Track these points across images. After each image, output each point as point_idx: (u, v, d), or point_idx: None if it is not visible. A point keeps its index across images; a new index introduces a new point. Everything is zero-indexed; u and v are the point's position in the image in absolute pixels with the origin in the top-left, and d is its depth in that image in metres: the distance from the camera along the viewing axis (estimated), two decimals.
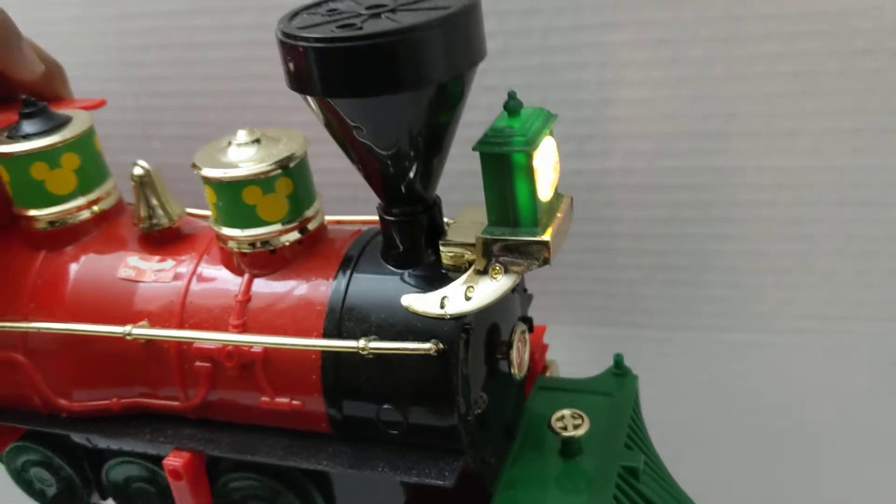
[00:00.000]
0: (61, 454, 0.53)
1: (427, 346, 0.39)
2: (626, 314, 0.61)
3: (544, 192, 0.39)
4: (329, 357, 0.42)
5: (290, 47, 0.36)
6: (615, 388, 0.51)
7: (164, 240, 0.47)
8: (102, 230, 0.48)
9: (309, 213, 0.44)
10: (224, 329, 0.43)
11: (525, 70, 0.55)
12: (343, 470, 0.42)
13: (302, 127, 0.58)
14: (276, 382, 0.43)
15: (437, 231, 0.42)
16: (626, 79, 0.53)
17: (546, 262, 0.39)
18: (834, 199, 0.54)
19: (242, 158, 0.43)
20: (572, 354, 0.59)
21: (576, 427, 0.46)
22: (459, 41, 0.36)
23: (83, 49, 0.64)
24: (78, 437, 0.49)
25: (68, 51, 0.63)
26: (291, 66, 0.37)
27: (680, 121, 0.54)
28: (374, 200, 0.42)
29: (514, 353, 0.44)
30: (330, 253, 0.44)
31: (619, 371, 0.52)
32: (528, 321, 0.50)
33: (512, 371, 0.44)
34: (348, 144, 0.40)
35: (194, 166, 0.43)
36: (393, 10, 0.37)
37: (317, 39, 0.35)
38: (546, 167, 0.38)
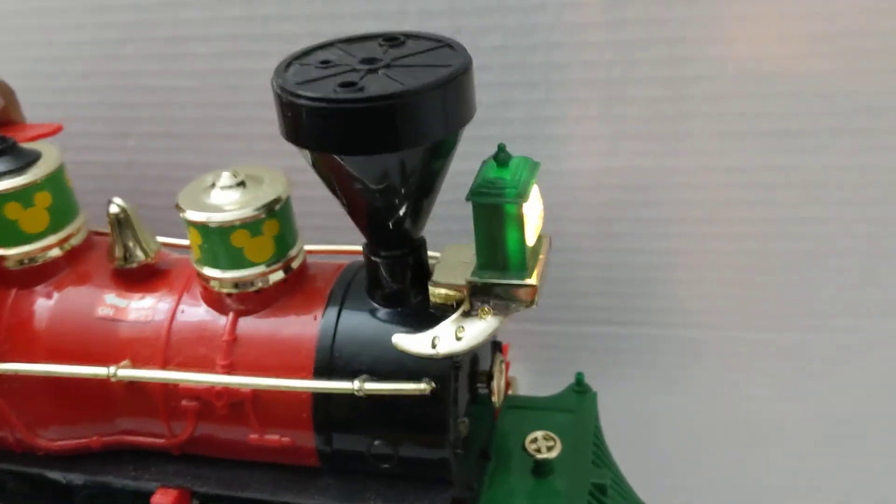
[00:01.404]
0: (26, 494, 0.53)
1: (422, 386, 0.41)
2: (627, 313, 0.63)
3: (531, 238, 0.41)
4: (320, 395, 0.43)
5: (289, 104, 0.37)
6: (576, 405, 0.54)
7: (141, 276, 0.47)
8: (74, 267, 0.48)
9: (293, 252, 0.45)
10: (211, 368, 0.44)
11: (526, 67, 0.56)
12: (337, 502, 0.43)
13: None
14: (266, 420, 0.44)
15: (422, 270, 0.44)
16: (633, 77, 0.55)
17: (532, 303, 0.41)
18: (841, 199, 0.56)
19: (228, 201, 0.43)
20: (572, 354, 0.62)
21: (549, 449, 0.49)
22: (456, 101, 0.38)
23: (55, 43, 0.62)
24: (54, 475, 0.49)
25: (39, 44, 0.62)
26: (289, 119, 0.38)
27: (688, 120, 0.56)
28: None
29: (494, 384, 0.46)
30: (314, 291, 0.45)
31: (580, 388, 0.55)
32: (497, 344, 0.52)
33: (493, 399, 0.46)
34: (339, 189, 0.41)
35: (178, 208, 0.43)
36: (388, 66, 0.38)
37: (317, 99, 0.36)
38: (533, 215, 0.40)
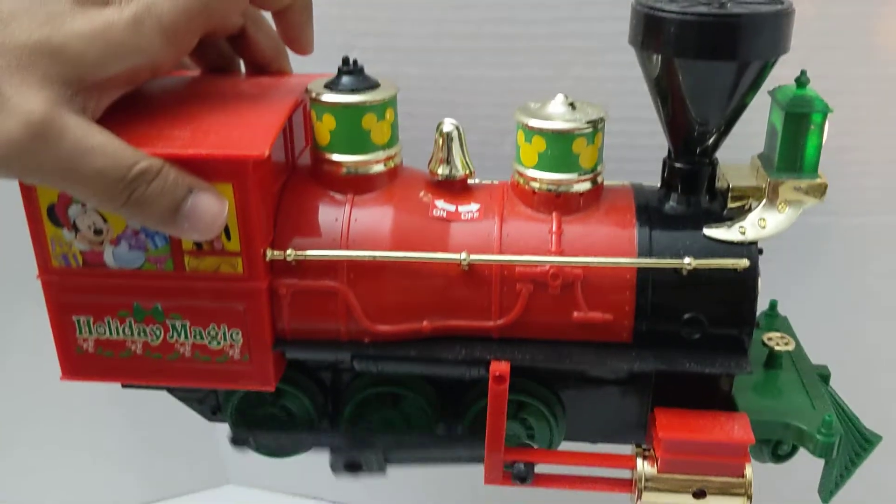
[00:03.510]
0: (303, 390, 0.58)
1: (743, 262, 0.50)
2: None
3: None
4: (643, 276, 0.52)
5: (659, 18, 0.47)
6: (775, 325, 0.64)
7: (458, 188, 0.55)
8: (396, 182, 0.55)
9: (600, 167, 0.54)
10: (545, 255, 0.52)
11: None
12: (655, 367, 0.52)
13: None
14: (592, 299, 0.52)
15: (713, 181, 0.54)
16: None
17: (822, 198, 0.51)
18: None
19: (566, 114, 0.52)
20: None
21: (785, 344, 0.59)
22: (783, 32, 0.49)
23: None
24: (367, 364, 0.55)
25: None
26: (653, 31, 0.48)
27: None
28: None
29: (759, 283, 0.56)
30: (616, 199, 0.54)
31: (772, 313, 0.65)
32: None
33: None
34: (670, 100, 0.51)
35: (521, 121, 0.52)
36: (729, 2, 0.49)
37: (699, 14, 0.47)
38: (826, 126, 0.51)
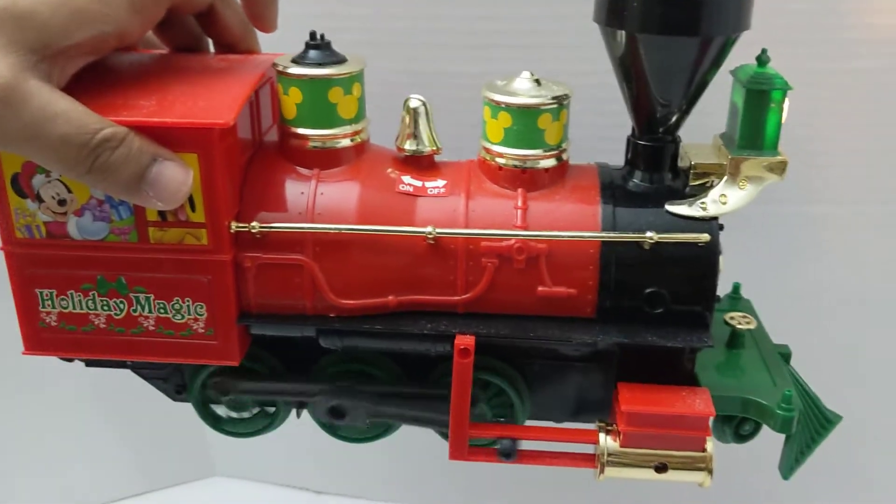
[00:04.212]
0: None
1: (704, 236, 0.51)
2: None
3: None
4: (606, 251, 0.52)
5: None
6: (739, 307, 0.65)
7: (425, 164, 0.55)
8: (363, 157, 0.55)
9: (565, 145, 0.55)
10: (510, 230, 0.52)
11: None
12: (618, 340, 0.52)
13: None
14: (556, 274, 0.52)
15: (675, 159, 0.55)
16: None
17: (783, 175, 0.52)
18: None
19: (531, 90, 0.53)
20: None
21: (747, 323, 0.59)
22: (745, 8, 0.50)
23: None
24: (332, 339, 0.55)
25: None
26: (618, 8, 0.49)
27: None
28: None
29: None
30: (581, 177, 0.55)
31: (736, 296, 0.66)
32: None
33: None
34: (634, 78, 0.52)
35: (487, 96, 0.53)
36: None
37: None
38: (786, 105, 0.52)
